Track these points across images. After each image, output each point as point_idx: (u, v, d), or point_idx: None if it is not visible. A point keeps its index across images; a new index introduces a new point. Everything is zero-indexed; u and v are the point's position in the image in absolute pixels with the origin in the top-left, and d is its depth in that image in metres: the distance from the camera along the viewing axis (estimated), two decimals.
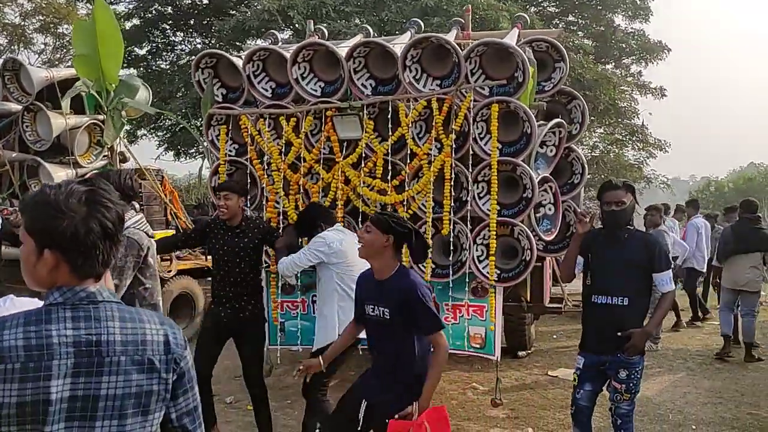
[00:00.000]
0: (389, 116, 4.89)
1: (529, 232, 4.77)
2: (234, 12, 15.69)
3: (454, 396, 5.88)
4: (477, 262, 4.86)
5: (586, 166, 5.44)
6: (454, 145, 4.77)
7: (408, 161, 4.90)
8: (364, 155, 5.00)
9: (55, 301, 1.41)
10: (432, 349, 3.09)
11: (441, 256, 4.99)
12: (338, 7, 13.65)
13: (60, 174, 6.26)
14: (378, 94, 5.00)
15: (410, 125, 4.89)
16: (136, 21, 18.24)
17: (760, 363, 6.96)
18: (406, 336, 3.09)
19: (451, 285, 4.91)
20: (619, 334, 3.52)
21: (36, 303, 1.73)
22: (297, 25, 13.22)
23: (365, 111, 4.96)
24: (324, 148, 5.12)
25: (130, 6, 17.27)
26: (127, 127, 18.38)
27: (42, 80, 6.25)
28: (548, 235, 5.09)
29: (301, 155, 5.10)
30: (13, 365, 1.32)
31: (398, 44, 5.12)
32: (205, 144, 5.51)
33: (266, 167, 5.24)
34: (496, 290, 4.97)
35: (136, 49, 18.39)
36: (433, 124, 4.81)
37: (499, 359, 5.13)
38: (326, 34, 5.99)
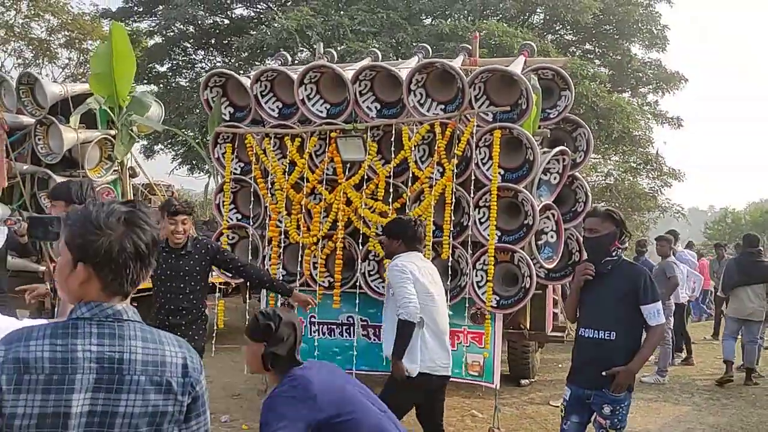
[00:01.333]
0: (392, 139, 4.92)
1: (529, 259, 4.74)
2: (254, 32, 15.93)
3: (452, 423, 5.80)
4: (476, 288, 4.83)
5: (589, 194, 5.41)
6: (455, 170, 4.78)
7: (410, 184, 4.91)
8: (366, 177, 5.02)
9: (82, 316, 1.45)
10: None
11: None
12: (355, 28, 13.80)
13: None
14: (382, 117, 5.04)
15: (413, 149, 4.91)
16: (158, 39, 18.57)
17: None
18: None
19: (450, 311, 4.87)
20: (603, 373, 3.43)
21: (12, 324, 1.75)
22: (315, 45, 13.37)
23: (369, 133, 5.00)
24: (327, 169, 5.15)
25: (153, 25, 17.58)
26: (144, 142, 18.71)
27: (56, 95, 6.38)
28: (550, 262, 5.05)
29: (305, 175, 5.13)
30: (38, 376, 1.36)
31: (405, 68, 5.17)
32: (212, 162, 5.57)
33: (270, 186, 5.28)
34: (495, 317, 4.94)
35: (157, 66, 18.69)
36: (436, 148, 4.82)
37: (498, 387, 5.07)
38: (335, 57, 6.06)
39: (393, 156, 4.94)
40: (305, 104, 5.14)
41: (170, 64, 18.99)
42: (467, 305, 4.88)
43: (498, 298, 4.84)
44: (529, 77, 4.90)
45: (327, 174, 5.14)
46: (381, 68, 5.01)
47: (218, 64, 19.17)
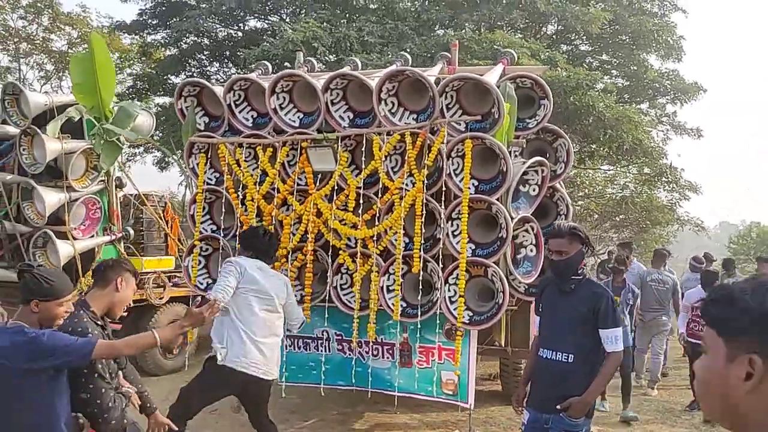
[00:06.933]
0: (363, 149, 4.80)
1: (502, 273, 4.55)
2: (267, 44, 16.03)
3: None
4: (448, 303, 4.66)
5: (570, 206, 5.21)
6: (427, 181, 4.63)
7: (380, 195, 4.78)
8: (337, 187, 4.90)
9: None
10: None
11: (412, 295, 4.81)
12: (363, 39, 13.77)
13: (52, 197, 6.35)
14: (355, 127, 4.92)
15: (385, 159, 4.78)
16: (173, 50, 18.75)
17: None
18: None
19: (419, 326, 4.71)
20: (558, 407, 3.26)
21: None
22: (320, 56, 13.39)
23: (340, 143, 4.88)
24: (301, 179, 5.05)
25: (166, 37, 17.73)
26: (157, 155, 18.79)
27: (40, 105, 6.40)
28: (528, 277, 4.85)
29: (276, 186, 5.03)
30: None
31: (378, 77, 5.04)
32: (187, 172, 5.50)
33: (243, 197, 5.18)
34: (470, 334, 4.76)
35: (171, 77, 18.87)
36: (406, 158, 4.68)
37: (472, 407, 4.88)
38: (315, 66, 5.97)
39: (365, 166, 4.81)
40: (277, 113, 5.05)
41: (184, 76, 19.16)
42: (438, 321, 4.71)
43: (471, 314, 4.66)
44: (505, 85, 4.75)
45: (299, 184, 5.03)
46: (353, 77, 4.90)
47: (233, 75, 19.30)
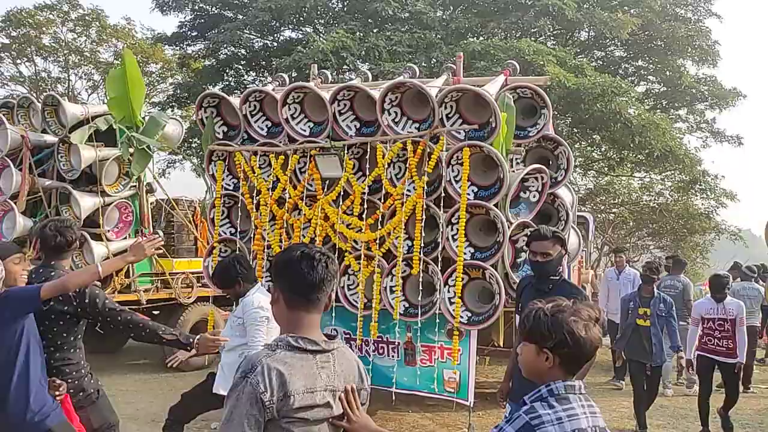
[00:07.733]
0: (368, 157, 5.06)
1: (498, 276, 4.73)
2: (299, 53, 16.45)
3: None
4: (448, 304, 4.86)
5: (570, 212, 5.34)
6: (429, 187, 4.85)
7: (383, 201, 5.02)
8: (344, 193, 5.15)
9: None
10: None
11: (414, 296, 5.02)
12: (391, 49, 14.03)
13: (87, 201, 6.80)
14: (361, 135, 5.18)
15: (388, 166, 5.02)
16: (211, 61, 19.38)
17: None
18: None
19: (419, 325, 4.92)
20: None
21: None
22: (349, 65, 13.74)
23: (348, 151, 5.14)
24: (310, 185, 5.32)
25: (203, 48, 18.35)
26: (196, 161, 19.42)
27: (76, 116, 6.87)
28: None
29: (287, 191, 5.32)
30: None
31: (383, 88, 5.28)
32: (206, 179, 5.85)
33: (257, 202, 5.49)
34: (470, 334, 4.94)
35: (209, 87, 19.49)
36: (407, 165, 4.91)
37: (472, 405, 5.05)
38: (329, 78, 6.26)
39: (369, 173, 5.06)
40: (289, 123, 5.34)
41: (222, 86, 19.76)
42: (438, 321, 4.91)
43: (470, 315, 4.85)
44: (503, 96, 4.94)
45: (308, 190, 5.31)
46: (358, 89, 5.15)
47: (268, 84, 19.80)
